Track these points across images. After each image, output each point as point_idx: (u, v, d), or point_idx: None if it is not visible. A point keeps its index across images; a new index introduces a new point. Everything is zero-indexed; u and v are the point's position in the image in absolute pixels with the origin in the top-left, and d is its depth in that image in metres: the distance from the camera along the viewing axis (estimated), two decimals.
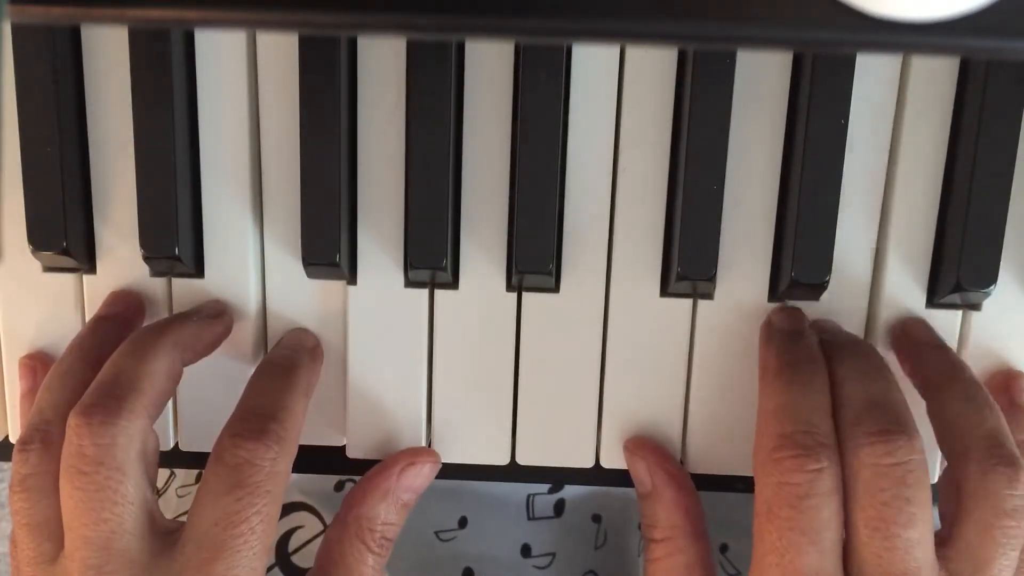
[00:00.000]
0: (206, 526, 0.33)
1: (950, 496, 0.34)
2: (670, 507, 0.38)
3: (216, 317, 0.38)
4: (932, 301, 0.39)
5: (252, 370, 0.40)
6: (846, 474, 0.33)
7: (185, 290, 0.39)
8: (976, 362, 0.39)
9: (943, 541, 0.33)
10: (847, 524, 0.33)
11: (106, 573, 0.32)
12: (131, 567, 0.32)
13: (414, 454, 0.39)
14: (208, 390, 0.39)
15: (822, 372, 0.35)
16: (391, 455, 0.39)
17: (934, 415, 0.36)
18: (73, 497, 0.32)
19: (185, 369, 0.37)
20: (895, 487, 0.32)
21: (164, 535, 0.33)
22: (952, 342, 0.39)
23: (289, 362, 0.38)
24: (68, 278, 0.39)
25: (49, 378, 0.36)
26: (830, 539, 0.32)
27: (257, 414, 0.35)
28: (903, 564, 0.32)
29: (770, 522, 0.33)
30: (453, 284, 0.39)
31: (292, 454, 0.35)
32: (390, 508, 0.38)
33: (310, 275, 0.39)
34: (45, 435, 0.34)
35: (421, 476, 0.39)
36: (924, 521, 0.32)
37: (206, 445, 0.40)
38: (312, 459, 0.40)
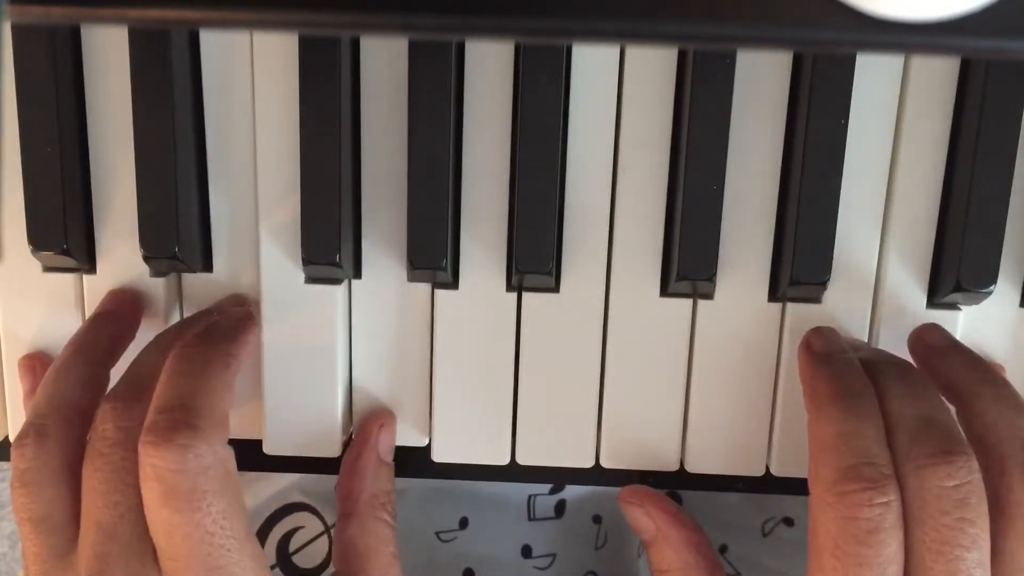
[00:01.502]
0: (166, 546, 0.32)
1: (989, 503, 0.33)
2: (679, 546, 0.38)
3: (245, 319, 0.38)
4: (932, 301, 0.39)
5: (253, 369, 0.40)
6: (905, 497, 0.32)
7: (187, 290, 0.39)
8: None
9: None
10: (907, 547, 0.32)
11: (112, 559, 0.32)
12: (130, 563, 0.32)
13: (378, 417, 0.40)
14: None
15: (874, 397, 0.34)
16: (358, 432, 0.40)
17: (964, 421, 0.35)
18: (93, 479, 0.33)
19: None
20: (958, 509, 0.31)
21: None
22: None
23: (203, 338, 0.36)
24: (68, 278, 0.39)
25: (46, 374, 0.36)
26: (894, 572, 0.31)
27: (165, 410, 0.32)
28: None
29: (836, 559, 0.31)
30: (453, 284, 0.39)
31: (222, 438, 0.33)
32: (385, 475, 0.39)
33: (309, 274, 0.39)
34: (40, 428, 0.34)
35: (392, 433, 0.40)
36: (985, 541, 0.31)
37: None
38: (312, 459, 0.40)
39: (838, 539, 0.31)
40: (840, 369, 0.35)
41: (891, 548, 0.31)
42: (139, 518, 0.32)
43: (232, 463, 0.33)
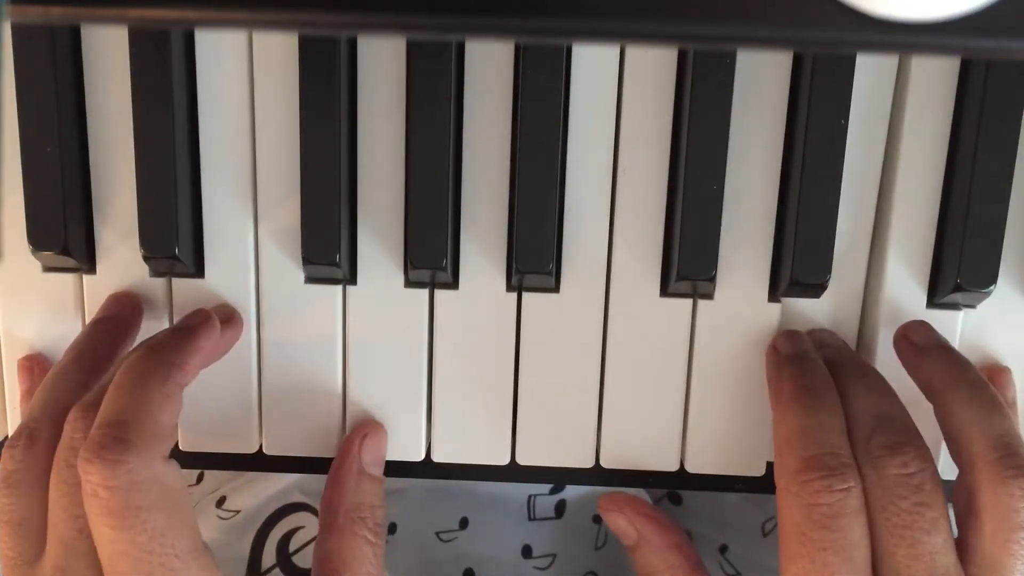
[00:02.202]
0: (108, 564, 0.31)
1: (964, 503, 0.34)
2: (662, 548, 0.39)
3: (198, 327, 0.37)
4: (932, 301, 0.39)
5: (252, 370, 0.40)
6: (867, 488, 0.33)
7: (185, 290, 0.39)
8: (972, 362, 0.39)
9: (961, 550, 0.33)
10: (872, 537, 0.33)
11: (72, 574, 0.32)
12: None
13: (362, 427, 0.39)
14: (208, 390, 0.39)
15: (835, 393, 0.36)
16: (342, 442, 0.39)
17: (941, 421, 0.35)
18: (56, 490, 0.32)
19: None
20: (915, 494, 0.32)
21: None
22: (953, 342, 0.39)
23: (147, 350, 0.35)
24: (68, 278, 0.39)
25: (44, 379, 0.36)
26: (861, 557, 0.32)
27: (102, 425, 0.32)
28: (929, 571, 0.32)
29: (802, 545, 0.33)
30: (453, 284, 0.39)
31: (158, 452, 0.32)
32: (368, 488, 0.38)
33: (309, 275, 0.39)
34: (32, 432, 0.34)
35: (379, 444, 0.39)
36: (945, 528, 0.32)
37: (206, 445, 0.40)
38: (312, 459, 0.40)
39: (802, 526, 0.33)
40: (804, 369, 0.36)
41: (854, 532, 0.32)
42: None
43: (172, 477, 0.32)
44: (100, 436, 0.31)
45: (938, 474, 0.33)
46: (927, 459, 0.33)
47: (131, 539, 0.31)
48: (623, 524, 0.39)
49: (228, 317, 0.38)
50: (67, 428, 0.33)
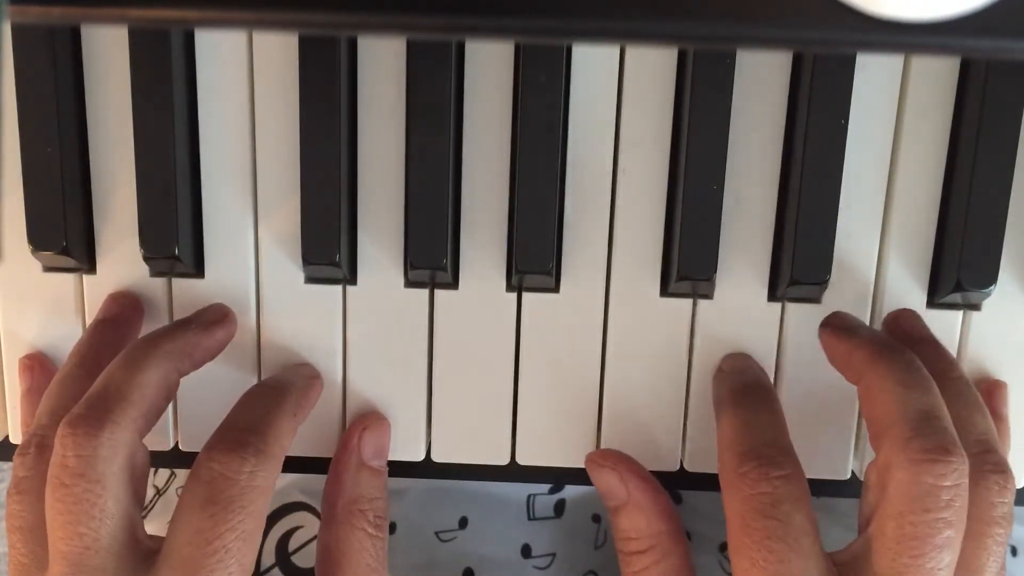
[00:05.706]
0: (179, 545, 0.32)
1: None
2: (651, 513, 0.38)
3: (216, 323, 0.38)
4: (933, 301, 0.39)
5: (252, 370, 0.40)
6: (887, 480, 0.32)
7: (185, 290, 0.39)
8: (975, 363, 0.39)
9: None
10: (872, 532, 0.33)
11: None
12: None
13: (363, 419, 0.39)
14: (209, 390, 0.40)
15: (771, 394, 0.37)
16: (343, 435, 0.39)
17: None
18: (53, 508, 0.32)
19: None
20: (941, 510, 0.31)
21: (146, 554, 0.33)
22: (953, 342, 0.39)
23: (278, 382, 0.37)
24: (68, 278, 0.39)
25: (50, 386, 0.36)
26: (809, 544, 0.32)
27: (236, 428, 0.34)
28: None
29: (747, 536, 0.32)
30: (453, 284, 0.39)
31: (274, 470, 0.34)
32: (368, 480, 0.38)
33: (309, 275, 0.39)
34: (41, 439, 0.34)
35: (379, 436, 0.39)
36: (955, 547, 0.32)
37: None
38: (312, 459, 0.40)
39: (745, 517, 0.33)
40: (738, 377, 0.37)
41: (797, 518, 0.32)
42: (107, 546, 0.32)
43: (269, 498, 0.34)
44: (239, 435, 0.33)
45: (967, 492, 0.32)
46: (965, 473, 0.32)
47: (220, 533, 0.32)
48: (614, 483, 0.38)
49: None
50: (60, 443, 0.32)
